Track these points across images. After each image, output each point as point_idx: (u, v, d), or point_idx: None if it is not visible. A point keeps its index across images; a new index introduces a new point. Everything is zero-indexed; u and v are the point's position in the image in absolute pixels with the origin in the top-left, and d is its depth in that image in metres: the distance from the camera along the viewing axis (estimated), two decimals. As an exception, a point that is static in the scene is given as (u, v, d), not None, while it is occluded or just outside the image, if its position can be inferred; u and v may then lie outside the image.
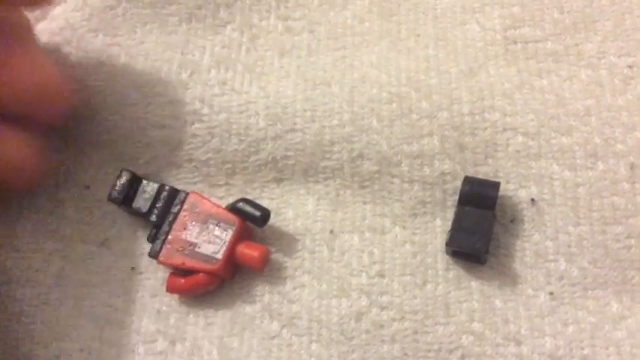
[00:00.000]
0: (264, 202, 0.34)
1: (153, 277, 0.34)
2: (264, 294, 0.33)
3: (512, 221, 0.33)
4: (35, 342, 0.33)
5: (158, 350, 0.32)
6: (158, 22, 0.36)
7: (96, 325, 0.33)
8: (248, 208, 0.33)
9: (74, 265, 0.34)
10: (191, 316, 0.33)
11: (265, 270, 0.33)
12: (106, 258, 0.34)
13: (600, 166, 0.33)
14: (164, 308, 0.33)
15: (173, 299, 0.33)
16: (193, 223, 0.33)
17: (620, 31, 0.35)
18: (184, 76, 0.35)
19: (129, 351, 0.32)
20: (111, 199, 0.34)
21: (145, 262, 0.34)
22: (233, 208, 0.33)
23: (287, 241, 0.34)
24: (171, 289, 0.33)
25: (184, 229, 0.33)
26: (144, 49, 0.36)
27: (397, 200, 0.34)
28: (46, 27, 0.35)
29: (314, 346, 0.32)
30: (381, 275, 0.33)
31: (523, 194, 0.33)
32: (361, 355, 0.31)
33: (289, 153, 0.35)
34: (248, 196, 0.34)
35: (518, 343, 0.31)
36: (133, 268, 0.34)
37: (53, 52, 0.35)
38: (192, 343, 0.32)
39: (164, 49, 0.36)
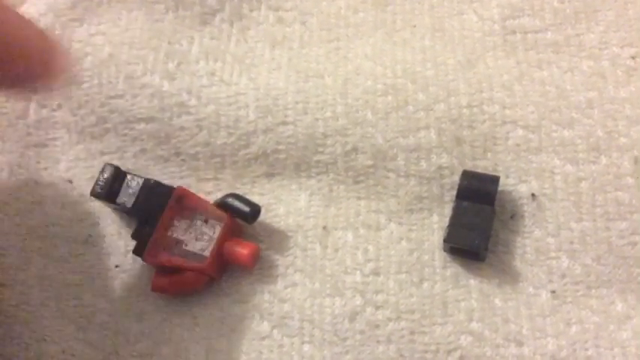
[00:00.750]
0: (255, 198, 0.33)
1: (138, 275, 0.33)
2: (254, 293, 0.32)
3: (512, 217, 0.32)
4: (15, 343, 0.32)
5: (143, 352, 0.32)
6: (144, 9, 0.36)
7: (78, 326, 0.32)
8: (237, 204, 0.32)
9: (56, 264, 0.33)
10: (177, 316, 0.32)
11: (255, 268, 0.33)
12: (89, 256, 0.34)
13: (603, 160, 0.32)
14: (149, 308, 0.33)
15: (159, 299, 0.33)
16: (180, 219, 0.32)
17: (622, 21, 0.35)
18: (171, 66, 0.35)
19: (112, 353, 0.32)
20: (94, 195, 0.33)
21: (130, 260, 0.33)
22: (222, 204, 0.33)
23: (278, 238, 0.33)
24: (156, 288, 0.32)
25: (171, 225, 0.32)
26: (129, 36, 0.35)
27: (393, 195, 0.33)
28: (26, 11, 0.34)
29: (306, 347, 0.31)
30: (376, 273, 0.32)
31: (523, 189, 0.33)
32: (355, 357, 0.31)
33: (280, 147, 0.34)
34: (238, 191, 0.33)
35: (519, 344, 0.30)
36: (117, 267, 0.34)
37: None
38: (179, 344, 0.32)
39: (150, 38, 0.35)
